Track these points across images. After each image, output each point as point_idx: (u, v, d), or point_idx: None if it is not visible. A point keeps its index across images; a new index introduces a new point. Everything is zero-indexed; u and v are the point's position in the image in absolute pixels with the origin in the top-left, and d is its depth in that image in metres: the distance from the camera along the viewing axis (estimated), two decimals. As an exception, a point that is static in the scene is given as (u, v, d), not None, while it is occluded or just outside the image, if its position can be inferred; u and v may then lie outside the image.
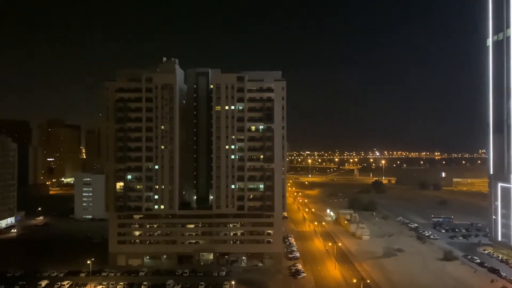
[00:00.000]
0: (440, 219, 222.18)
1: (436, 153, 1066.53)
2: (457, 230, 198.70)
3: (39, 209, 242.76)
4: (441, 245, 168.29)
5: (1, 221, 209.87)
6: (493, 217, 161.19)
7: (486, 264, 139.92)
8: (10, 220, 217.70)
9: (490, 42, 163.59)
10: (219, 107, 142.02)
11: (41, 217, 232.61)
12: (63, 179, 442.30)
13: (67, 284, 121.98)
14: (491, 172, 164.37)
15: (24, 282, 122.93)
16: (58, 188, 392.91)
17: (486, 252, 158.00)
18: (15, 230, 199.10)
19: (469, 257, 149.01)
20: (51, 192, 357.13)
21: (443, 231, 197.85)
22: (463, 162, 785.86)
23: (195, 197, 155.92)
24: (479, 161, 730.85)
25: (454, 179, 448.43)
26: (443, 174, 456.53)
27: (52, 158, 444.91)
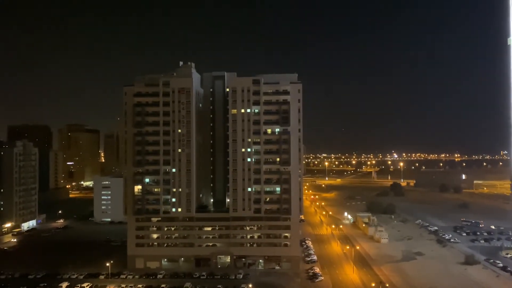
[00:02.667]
0: (469, 223, 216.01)
1: (456, 155, 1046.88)
2: (478, 233, 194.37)
3: (60, 212, 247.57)
4: (462, 249, 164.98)
5: (23, 224, 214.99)
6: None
7: (509, 268, 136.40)
8: (32, 223, 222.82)
9: (511, 41, 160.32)
10: (235, 110, 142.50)
11: (61, 220, 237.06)
12: (82, 182, 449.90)
13: (87, 286, 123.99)
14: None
15: (45, 284, 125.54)
16: (78, 192, 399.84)
17: (509, 256, 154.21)
18: (15, 240, 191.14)
19: (492, 261, 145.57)
20: (71, 196, 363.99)
21: (464, 234, 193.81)
22: (484, 164, 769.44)
23: (212, 200, 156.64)
24: (500, 163, 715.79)
25: (475, 182, 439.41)
26: (464, 176, 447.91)
27: (72, 162, 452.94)
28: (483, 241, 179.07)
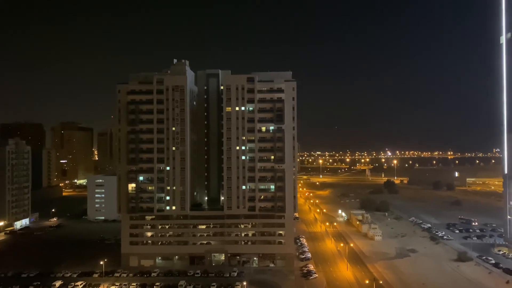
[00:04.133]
0: (464, 221, 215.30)
1: (449, 153, 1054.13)
2: (471, 230, 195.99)
3: (53, 210, 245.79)
4: (455, 246, 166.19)
5: (16, 223, 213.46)
6: (508, 217, 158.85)
7: (501, 265, 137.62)
8: (25, 222, 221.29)
9: (503, 39, 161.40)
10: (230, 108, 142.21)
11: (54, 219, 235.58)
12: (76, 180, 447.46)
13: (80, 284, 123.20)
14: (506, 172, 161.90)
15: (39, 283, 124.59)
16: (71, 190, 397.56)
17: (501, 252, 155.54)
18: (8, 238, 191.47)
19: (484, 257, 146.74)
20: (64, 194, 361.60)
21: (457, 231, 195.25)
22: (477, 161, 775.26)
23: (206, 198, 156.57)
24: (493, 161, 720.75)
25: (467, 179, 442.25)
26: (457, 174, 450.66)
27: (65, 160, 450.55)
28: (475, 238, 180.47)
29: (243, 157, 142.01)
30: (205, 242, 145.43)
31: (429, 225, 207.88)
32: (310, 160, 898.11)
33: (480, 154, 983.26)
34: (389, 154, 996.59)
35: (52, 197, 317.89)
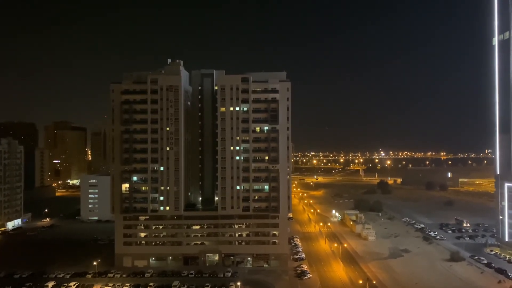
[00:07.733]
0: (463, 221, 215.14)
1: (442, 153, 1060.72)
2: (463, 230, 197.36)
3: (46, 210, 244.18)
4: (447, 246, 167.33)
5: (8, 223, 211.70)
6: (500, 217, 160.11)
7: (493, 265, 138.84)
8: (17, 222, 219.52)
9: (495, 41, 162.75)
10: (224, 108, 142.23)
11: (47, 219, 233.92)
12: (69, 181, 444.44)
13: (73, 285, 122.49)
14: (498, 172, 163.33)
15: (31, 283, 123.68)
16: (64, 190, 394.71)
17: (493, 252, 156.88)
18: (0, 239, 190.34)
19: (476, 257, 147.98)
20: (57, 194, 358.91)
21: (450, 231, 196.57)
22: (470, 162, 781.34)
23: (200, 198, 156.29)
24: (485, 161, 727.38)
25: (460, 180, 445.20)
26: (449, 174, 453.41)
27: (58, 160, 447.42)
28: (468, 238, 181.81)
29: (238, 157, 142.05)
30: (199, 242, 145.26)
31: (422, 225, 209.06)
32: (304, 160, 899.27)
33: (473, 155, 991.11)
34: (383, 154, 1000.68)
35: (45, 197, 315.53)
